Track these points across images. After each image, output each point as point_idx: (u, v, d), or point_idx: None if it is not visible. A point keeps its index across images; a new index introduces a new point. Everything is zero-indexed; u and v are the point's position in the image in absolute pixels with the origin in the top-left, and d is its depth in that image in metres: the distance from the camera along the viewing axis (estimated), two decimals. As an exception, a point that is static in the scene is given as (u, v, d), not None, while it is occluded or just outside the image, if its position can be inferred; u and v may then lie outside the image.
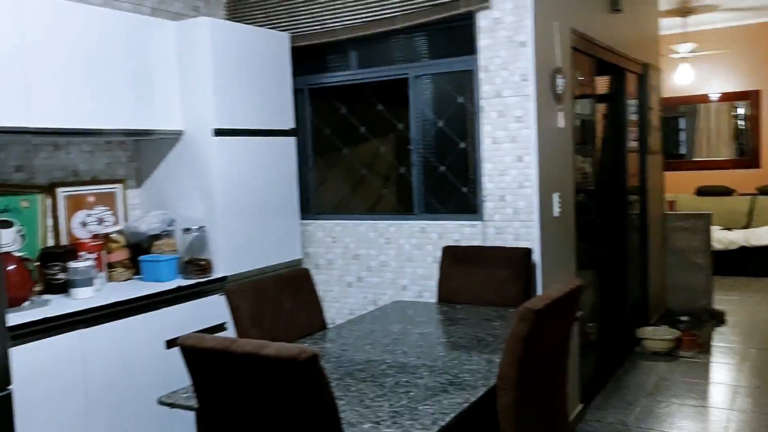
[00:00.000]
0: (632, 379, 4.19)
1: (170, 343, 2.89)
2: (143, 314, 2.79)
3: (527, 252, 3.03)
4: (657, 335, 4.69)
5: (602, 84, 4.66)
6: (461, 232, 3.31)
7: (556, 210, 3.30)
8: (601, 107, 4.68)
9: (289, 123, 3.60)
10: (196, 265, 3.13)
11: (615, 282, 4.71)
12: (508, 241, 3.17)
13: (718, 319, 5.42)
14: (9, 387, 1.98)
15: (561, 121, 3.37)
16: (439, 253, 3.35)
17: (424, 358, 2.26)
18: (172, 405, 1.95)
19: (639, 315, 5.08)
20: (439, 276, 3.21)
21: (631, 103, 4.96)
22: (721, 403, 3.73)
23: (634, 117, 5.03)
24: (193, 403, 1.91)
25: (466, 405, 1.80)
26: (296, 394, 1.54)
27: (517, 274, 3.01)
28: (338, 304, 3.73)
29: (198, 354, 1.67)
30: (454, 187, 3.47)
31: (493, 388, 1.96)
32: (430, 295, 3.42)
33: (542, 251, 3.11)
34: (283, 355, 1.52)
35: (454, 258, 3.20)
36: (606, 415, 3.63)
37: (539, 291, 3.09)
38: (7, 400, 1.96)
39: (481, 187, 3.23)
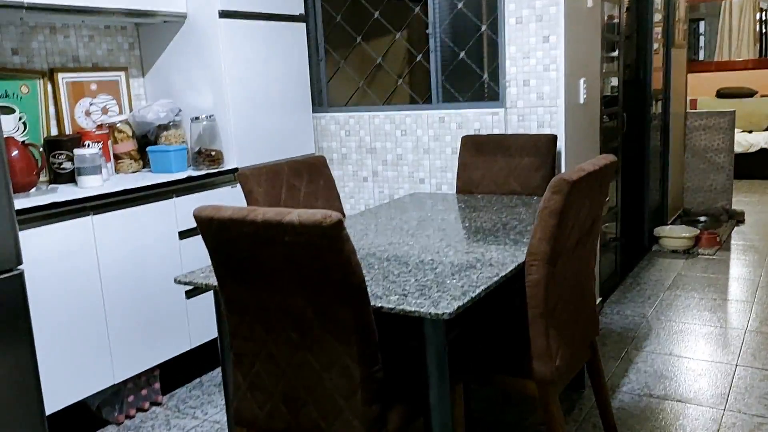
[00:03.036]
0: (651, 275, 4.14)
1: (182, 235, 2.82)
2: (154, 203, 2.70)
3: (552, 138, 2.90)
4: (675, 233, 4.61)
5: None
6: (482, 120, 3.17)
7: (582, 96, 3.13)
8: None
9: (298, 8, 3.39)
10: (206, 156, 3.01)
11: (634, 182, 4.59)
12: (532, 129, 3.03)
13: (737, 219, 5.33)
14: (20, 267, 1.91)
15: (589, 0, 3.15)
16: (458, 144, 3.22)
17: (448, 240, 2.17)
18: (189, 283, 1.87)
19: (657, 215, 4.99)
20: (458, 167, 3.09)
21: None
22: (741, 296, 3.68)
23: (658, 8, 4.75)
24: (212, 281, 1.84)
25: (495, 279, 1.72)
26: (321, 263, 1.45)
27: (541, 162, 2.89)
28: (353, 199, 3.63)
29: (215, 225, 1.58)
30: (475, 75, 3.30)
31: (522, 267, 1.87)
32: (449, 188, 3.32)
33: (567, 138, 2.98)
34: (306, 221, 1.43)
35: (474, 148, 3.07)
36: (624, 308, 3.59)
37: (563, 180, 2.98)
38: (20, 278, 1.89)
39: (503, 71, 3.06)
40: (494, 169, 2.99)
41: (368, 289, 1.68)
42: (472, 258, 1.93)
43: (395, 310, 1.55)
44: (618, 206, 4.09)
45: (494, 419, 2.53)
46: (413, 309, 1.52)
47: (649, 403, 2.57)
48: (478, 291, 1.62)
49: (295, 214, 1.44)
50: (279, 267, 1.52)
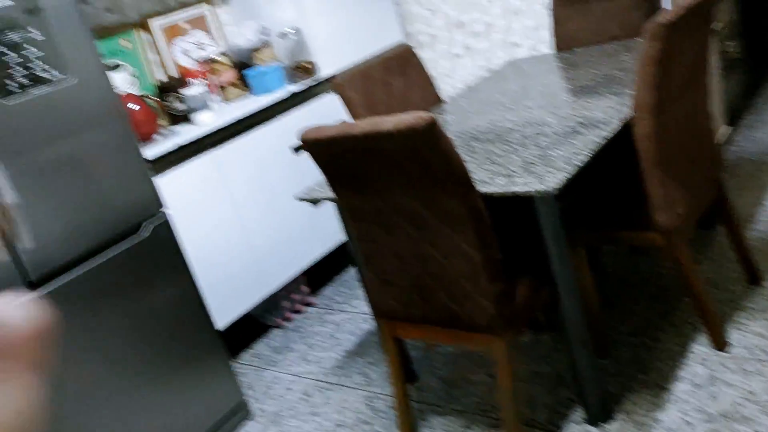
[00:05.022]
0: (784, 91, 3.83)
1: (296, 149, 2.97)
2: (265, 126, 2.85)
3: (648, -29, 2.68)
4: (811, 38, 4.16)
5: None
6: (569, -33, 2.97)
7: None
8: None
9: None
10: (300, 68, 3.09)
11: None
12: (625, -35, 2.81)
13: None
14: (163, 210, 2.13)
15: None
16: (547, -2, 3.06)
17: (549, 107, 2.14)
18: (309, 200, 2.02)
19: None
20: (552, 24, 2.95)
21: None
22: None
23: None
24: (330, 194, 1.97)
25: (600, 141, 1.71)
26: (422, 162, 1.52)
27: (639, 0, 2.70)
28: (450, 78, 3.60)
29: (321, 145, 1.68)
30: None
31: (629, 121, 1.84)
32: (546, 47, 3.19)
33: (666, -34, 2.74)
34: (401, 128, 1.48)
35: (565, 1, 2.91)
36: (755, 132, 3.38)
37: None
38: (166, 223, 2.13)
39: None
40: (590, 18, 2.83)
41: (474, 174, 1.74)
42: (575, 122, 1.91)
43: (504, 194, 1.60)
44: (739, 20, 3.75)
45: (628, 271, 2.56)
46: (521, 190, 1.56)
47: (789, 229, 2.48)
48: (582, 158, 1.63)
49: (389, 123, 1.50)
50: (385, 172, 1.60)
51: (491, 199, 1.71)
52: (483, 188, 1.64)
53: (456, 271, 1.65)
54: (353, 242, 2.14)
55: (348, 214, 1.80)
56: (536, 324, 2.37)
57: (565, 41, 2.93)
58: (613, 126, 1.79)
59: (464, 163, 1.54)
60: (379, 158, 1.58)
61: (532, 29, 3.21)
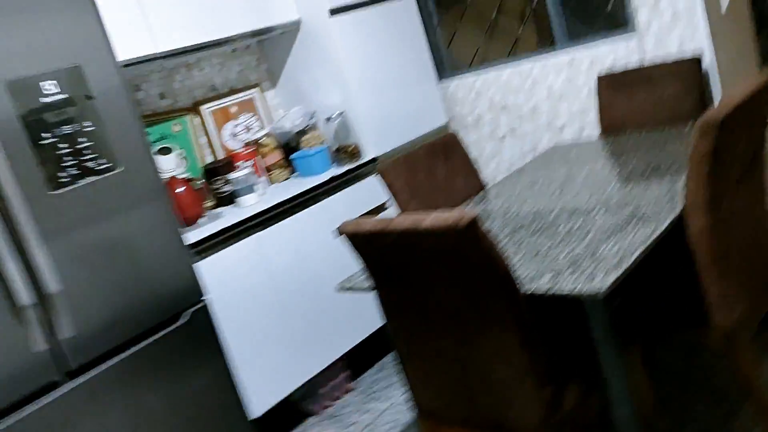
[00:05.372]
0: None
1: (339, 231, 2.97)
2: (308, 208, 2.86)
3: (696, 60, 2.65)
4: None
5: None
6: (614, 53, 2.97)
7: (725, 4, 2.82)
8: None
9: (404, -18, 3.37)
10: (345, 151, 3.12)
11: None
12: (671, 52, 2.79)
13: None
14: (203, 298, 2.13)
15: None
16: (593, 84, 3.05)
17: (596, 196, 2.09)
18: (350, 289, 1.98)
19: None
20: (599, 109, 2.93)
21: None
22: None
23: None
24: (370, 283, 1.93)
25: (652, 238, 1.64)
26: (464, 261, 1.48)
27: (688, 88, 2.66)
28: (495, 160, 3.59)
29: (360, 238, 1.65)
30: (598, 3, 3.08)
31: (681, 216, 1.77)
32: (592, 130, 3.17)
33: (714, 56, 2.71)
34: (441, 226, 1.45)
35: (611, 86, 2.89)
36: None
37: (717, 101, 2.73)
38: (205, 310, 2.12)
39: (629, -4, 2.84)
40: (637, 104, 2.80)
41: (518, 271, 1.68)
42: (624, 215, 1.85)
43: (549, 293, 1.54)
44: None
45: (686, 368, 2.42)
46: (568, 291, 1.50)
47: None
48: (633, 258, 1.56)
49: (429, 221, 1.47)
50: (425, 268, 1.56)
51: (537, 297, 1.64)
52: (528, 286, 1.58)
53: (500, 373, 1.58)
54: (394, 338, 2.08)
55: (387, 309, 1.76)
56: (588, 425, 2.24)
57: (611, 126, 2.90)
58: (665, 222, 1.73)
59: (507, 260, 1.49)
60: (419, 254, 1.54)
61: (577, 113, 3.19)
